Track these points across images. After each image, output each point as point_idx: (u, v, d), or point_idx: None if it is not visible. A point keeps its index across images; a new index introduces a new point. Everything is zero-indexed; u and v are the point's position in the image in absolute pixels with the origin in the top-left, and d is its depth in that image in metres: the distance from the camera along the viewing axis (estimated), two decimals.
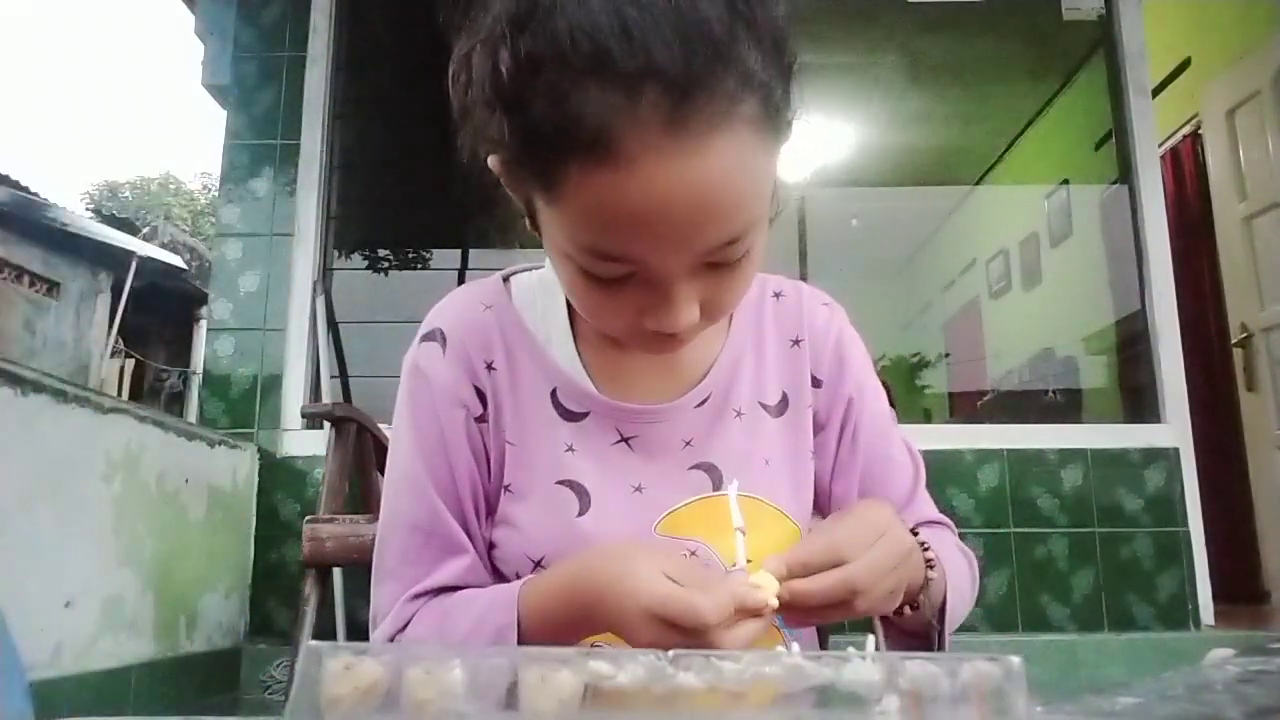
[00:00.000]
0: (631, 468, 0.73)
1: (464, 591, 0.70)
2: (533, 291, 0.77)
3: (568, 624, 0.62)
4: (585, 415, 0.73)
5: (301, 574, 2.07)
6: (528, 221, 0.66)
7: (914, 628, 0.71)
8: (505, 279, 0.78)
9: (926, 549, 0.68)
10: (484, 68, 0.57)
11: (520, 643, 0.63)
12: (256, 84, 3.27)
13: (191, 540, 2.50)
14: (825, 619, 0.58)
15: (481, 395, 0.73)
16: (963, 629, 2.85)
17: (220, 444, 2.69)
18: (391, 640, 0.71)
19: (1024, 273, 4.78)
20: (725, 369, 0.76)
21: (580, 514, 0.71)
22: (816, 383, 0.79)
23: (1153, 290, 3.22)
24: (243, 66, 3.30)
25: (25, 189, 9.00)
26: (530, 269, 0.79)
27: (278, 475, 2.93)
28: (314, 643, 0.31)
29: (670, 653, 0.31)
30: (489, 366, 0.73)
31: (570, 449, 0.72)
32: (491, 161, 0.64)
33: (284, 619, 2.76)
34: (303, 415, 2.83)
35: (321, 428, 2.68)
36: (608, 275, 0.59)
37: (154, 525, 2.27)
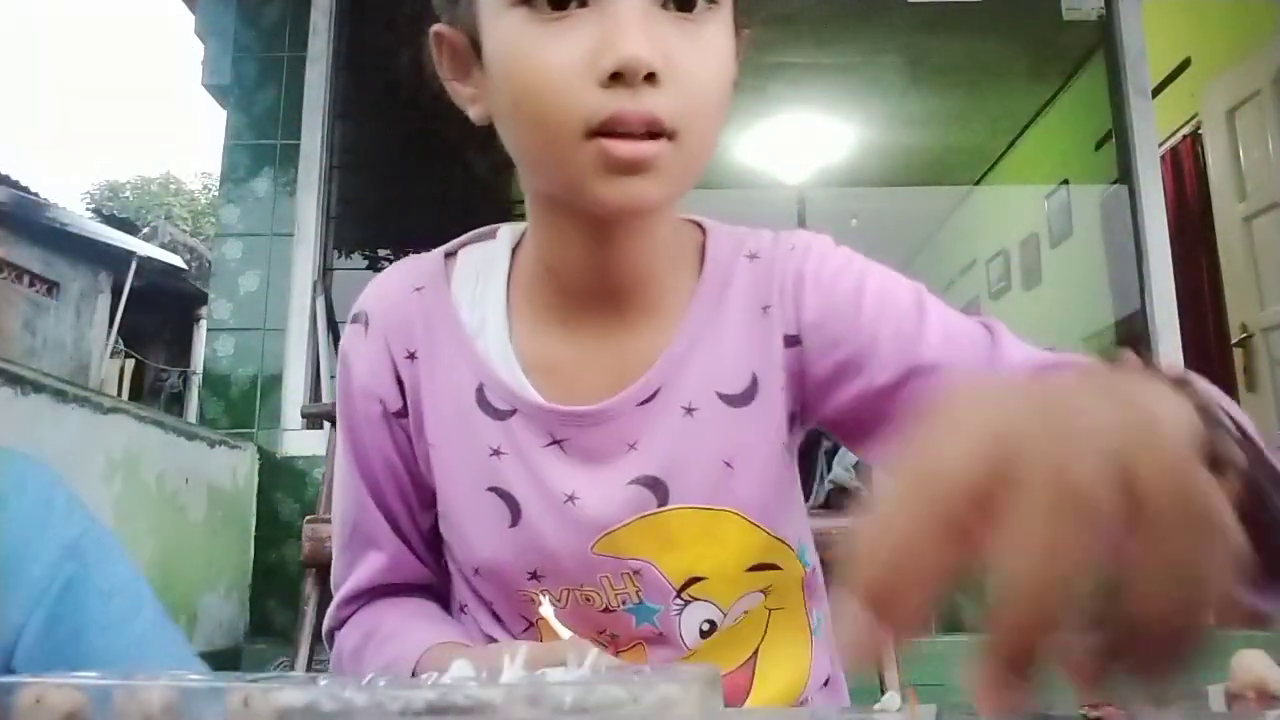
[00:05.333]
0: (563, 475, 0.63)
1: (387, 625, 0.67)
2: (474, 270, 0.68)
3: None
4: (512, 413, 0.64)
5: (301, 574, 2.07)
6: (472, 108, 0.62)
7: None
8: (451, 254, 0.70)
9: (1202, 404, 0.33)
10: None
11: None
12: (256, 84, 3.27)
13: (191, 540, 2.50)
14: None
15: (402, 387, 0.66)
16: (962, 629, 2.81)
17: (220, 444, 2.70)
18: (330, 635, 0.70)
19: (1024, 273, 4.78)
20: (676, 357, 0.63)
21: (511, 525, 0.64)
22: (791, 340, 0.64)
23: (1153, 290, 3.22)
24: (243, 66, 3.30)
25: (25, 189, 9.00)
26: (484, 240, 0.71)
27: (278, 475, 2.93)
28: (2, 679, 0.30)
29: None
30: (410, 356, 0.66)
31: (496, 452, 0.64)
32: (435, 30, 0.63)
33: (284, 619, 2.76)
34: (303, 415, 2.83)
35: (321, 428, 2.68)
36: None
37: (154, 525, 2.27)
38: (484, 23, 0.57)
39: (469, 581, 0.68)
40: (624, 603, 0.65)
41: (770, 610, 0.68)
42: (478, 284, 0.67)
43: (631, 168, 0.53)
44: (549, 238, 0.63)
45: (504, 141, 0.60)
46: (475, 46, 0.60)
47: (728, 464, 0.64)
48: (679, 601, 0.65)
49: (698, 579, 0.64)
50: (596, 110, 0.52)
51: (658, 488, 0.63)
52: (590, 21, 0.53)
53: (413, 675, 0.59)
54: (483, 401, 0.64)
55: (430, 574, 0.71)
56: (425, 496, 0.68)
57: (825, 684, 0.72)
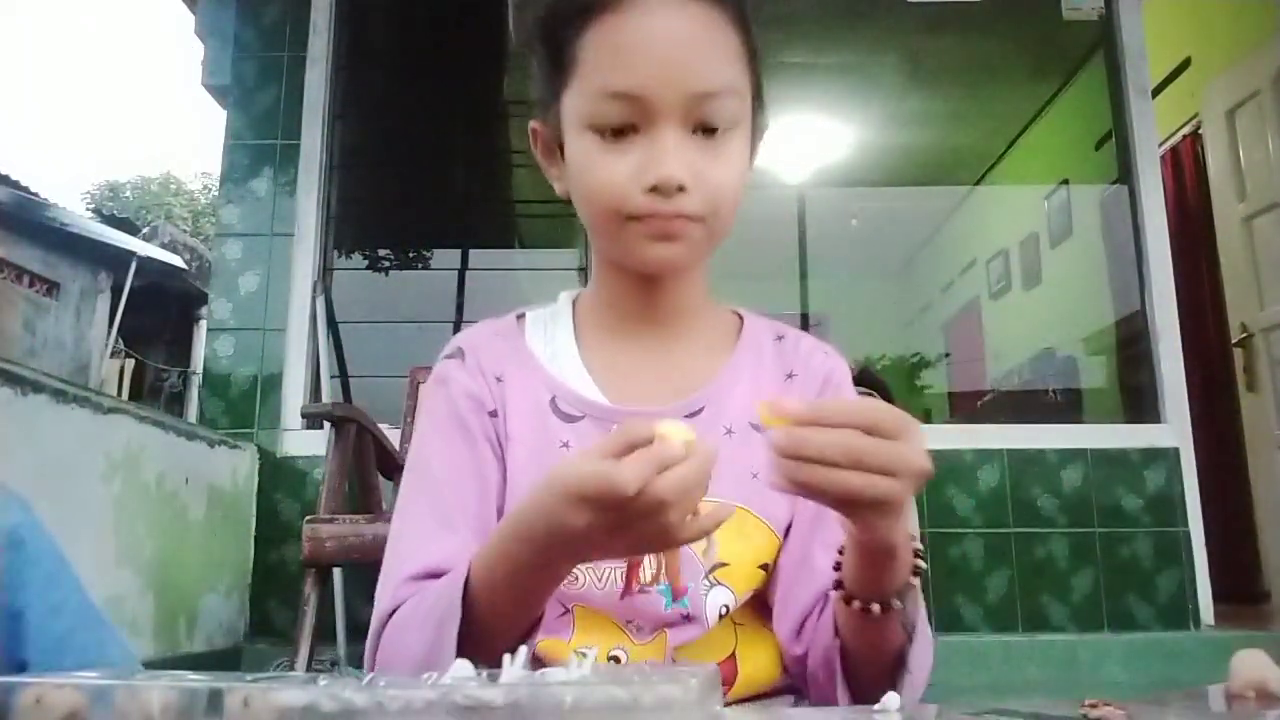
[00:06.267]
0: None
1: (430, 582, 0.72)
2: (542, 322, 0.88)
3: (523, 559, 0.62)
4: (581, 418, 0.80)
5: (301, 574, 2.07)
6: (556, 185, 0.81)
7: (870, 656, 0.68)
8: (520, 316, 0.89)
9: (919, 555, 0.65)
10: (531, 11, 0.78)
11: (473, 603, 0.64)
12: (256, 84, 3.27)
13: (191, 540, 2.50)
14: (807, 487, 0.56)
15: (493, 398, 0.82)
16: (965, 629, 2.84)
17: (220, 444, 2.70)
18: (385, 623, 0.72)
19: (1024, 273, 4.78)
20: (720, 387, 0.83)
21: None
22: None
23: (1153, 290, 3.22)
24: (243, 66, 3.30)
25: (25, 189, 9.00)
26: (546, 304, 0.91)
27: (278, 475, 2.93)
28: (2, 679, 0.30)
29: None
30: (498, 379, 0.83)
31: (566, 445, 0.79)
32: (532, 125, 0.82)
33: (284, 619, 2.76)
34: (303, 415, 2.83)
35: (321, 428, 2.67)
36: (615, 120, 0.72)
37: (154, 525, 2.27)
38: (566, 135, 0.77)
39: None
40: (658, 581, 0.72)
41: (736, 625, 0.79)
42: (547, 328, 0.87)
43: (665, 236, 0.74)
44: (610, 282, 0.84)
45: (579, 215, 0.80)
46: (560, 145, 0.79)
47: (755, 475, 0.78)
48: (706, 582, 0.76)
49: (722, 564, 0.77)
50: (640, 208, 0.73)
51: None
52: (641, 145, 0.72)
53: (466, 580, 0.65)
54: (556, 409, 0.81)
55: None
56: (489, 506, 0.78)
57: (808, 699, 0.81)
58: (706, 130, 0.73)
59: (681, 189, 0.72)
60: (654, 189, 0.71)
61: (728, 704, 0.73)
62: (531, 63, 0.80)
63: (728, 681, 0.77)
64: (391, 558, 0.75)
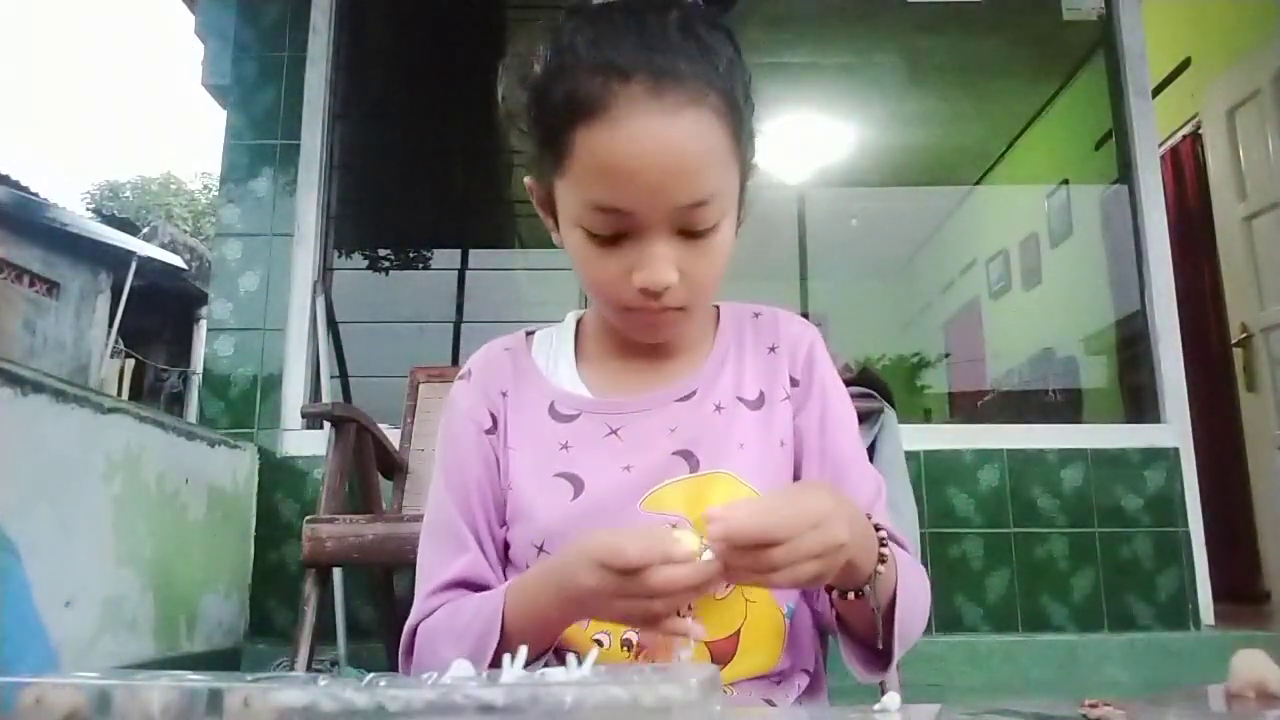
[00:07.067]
0: (620, 453, 0.85)
1: (477, 594, 0.82)
2: (549, 337, 0.96)
3: (543, 600, 0.72)
4: (577, 416, 0.87)
5: (301, 574, 2.07)
6: (553, 235, 0.85)
7: (862, 625, 0.77)
8: (530, 333, 0.97)
9: (883, 544, 0.74)
10: (520, 84, 0.79)
11: (505, 629, 0.74)
12: (256, 84, 3.27)
13: (191, 540, 2.50)
14: (747, 582, 0.68)
15: (494, 415, 0.90)
16: (965, 629, 2.85)
17: (220, 444, 2.70)
18: (414, 632, 0.82)
19: (1024, 273, 4.77)
20: (708, 372, 0.90)
21: (575, 497, 0.83)
22: (794, 382, 0.91)
23: (1153, 290, 3.22)
24: (243, 66, 3.30)
25: (25, 189, 9.00)
26: (554, 324, 0.98)
27: (278, 475, 2.93)
28: (3, 679, 0.30)
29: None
30: (502, 394, 0.91)
31: (565, 446, 0.85)
32: (527, 181, 0.84)
33: (284, 619, 2.76)
34: (303, 415, 2.83)
35: (321, 428, 2.68)
36: (606, 230, 0.75)
37: (154, 525, 2.27)
38: (560, 216, 0.81)
39: (529, 566, 0.83)
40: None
41: (748, 601, 0.83)
42: (551, 345, 0.94)
43: (654, 325, 0.82)
44: (603, 318, 0.91)
45: None
46: (555, 208, 0.82)
47: (741, 445, 0.86)
48: (709, 553, 0.79)
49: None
50: (631, 302, 0.79)
51: (691, 458, 0.84)
52: (630, 249, 0.76)
53: (503, 608, 0.75)
54: (554, 413, 0.88)
55: (496, 582, 0.87)
56: (498, 514, 0.87)
57: (810, 680, 0.87)
58: (693, 233, 0.76)
59: (668, 288, 0.77)
60: (643, 290, 0.77)
61: (726, 684, 0.80)
62: (519, 124, 0.81)
63: (727, 657, 0.81)
64: (418, 577, 0.86)
